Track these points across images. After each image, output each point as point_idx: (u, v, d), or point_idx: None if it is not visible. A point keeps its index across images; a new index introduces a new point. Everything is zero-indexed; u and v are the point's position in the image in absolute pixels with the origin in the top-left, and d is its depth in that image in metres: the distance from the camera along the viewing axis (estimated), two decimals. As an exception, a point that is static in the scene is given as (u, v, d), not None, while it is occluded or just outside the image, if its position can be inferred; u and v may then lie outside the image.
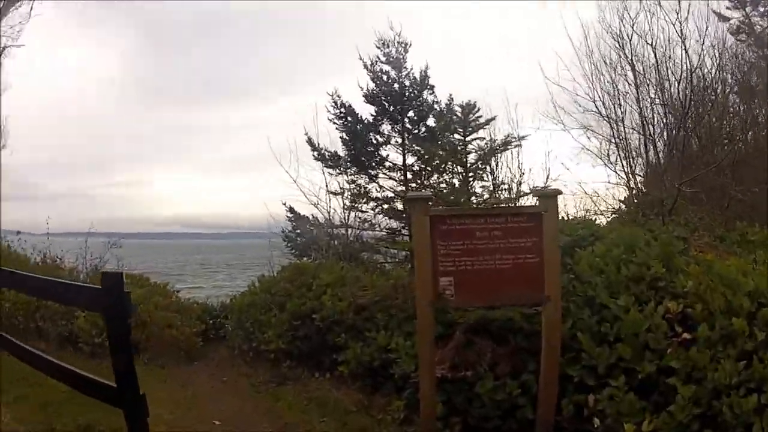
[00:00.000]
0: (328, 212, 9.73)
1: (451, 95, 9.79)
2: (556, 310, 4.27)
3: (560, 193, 4.89)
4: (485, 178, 8.66)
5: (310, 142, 9.95)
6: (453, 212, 4.96)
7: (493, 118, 8.85)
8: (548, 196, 4.53)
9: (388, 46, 9.85)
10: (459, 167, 8.56)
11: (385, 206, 9.53)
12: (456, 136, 8.47)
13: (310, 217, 10.04)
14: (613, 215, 9.92)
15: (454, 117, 8.44)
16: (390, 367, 5.32)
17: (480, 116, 8.48)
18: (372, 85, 9.91)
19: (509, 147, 8.64)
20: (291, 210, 10.23)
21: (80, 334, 7.18)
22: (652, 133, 11.25)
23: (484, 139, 8.63)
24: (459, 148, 8.38)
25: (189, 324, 7.97)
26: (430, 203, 4.74)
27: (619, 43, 11.51)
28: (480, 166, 8.50)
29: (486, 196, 8.41)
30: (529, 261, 4.31)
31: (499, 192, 8.53)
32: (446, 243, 4.27)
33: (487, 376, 4.54)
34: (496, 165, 8.74)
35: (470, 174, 8.37)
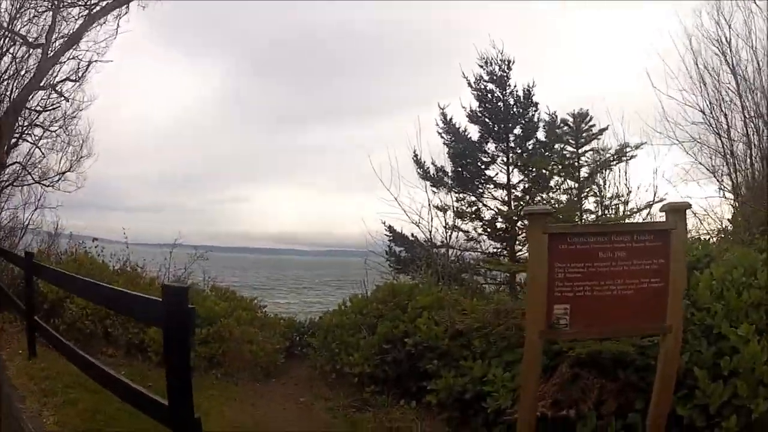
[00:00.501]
0: (430, 231, 9.42)
1: (553, 113, 9.58)
2: (677, 342, 3.79)
3: (689, 206, 4.23)
4: (596, 194, 7.90)
5: (416, 159, 10.01)
6: (574, 230, 4.36)
7: (605, 128, 8.28)
8: (677, 210, 3.95)
9: (491, 64, 9.88)
10: (570, 182, 7.86)
11: (488, 227, 9.47)
12: (568, 147, 7.79)
13: (410, 236, 9.96)
14: (719, 234, 8.78)
15: (566, 127, 7.77)
16: (483, 399, 4.89)
17: (593, 125, 7.81)
18: (475, 104, 9.98)
19: (624, 158, 7.92)
20: (390, 229, 10.28)
21: (151, 343, 7.15)
22: (758, 143, 10.16)
23: (597, 150, 7.88)
24: (571, 161, 7.69)
25: (272, 340, 7.86)
26: (549, 218, 4.12)
27: (719, 48, 10.66)
28: (592, 180, 7.77)
29: (600, 213, 7.65)
30: (652, 286, 3.79)
31: (612, 209, 7.76)
32: (565, 265, 3.78)
33: (590, 416, 4.14)
34: (604, 182, 7.99)
35: (583, 189, 7.65)
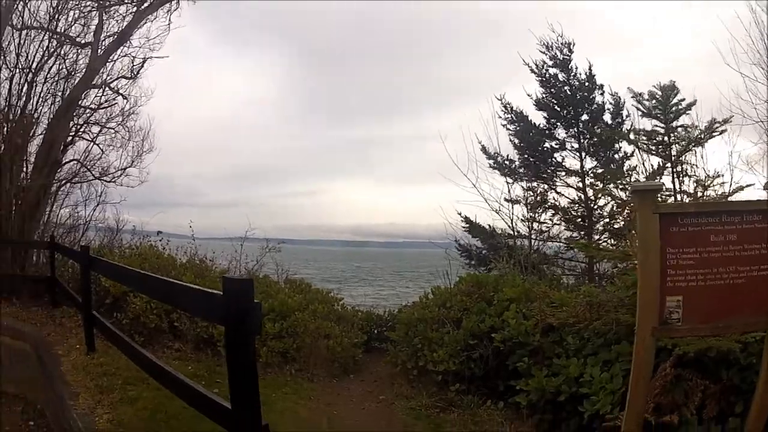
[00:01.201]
0: (511, 220, 9.39)
1: (616, 93, 9.42)
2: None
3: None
4: (688, 174, 7.49)
5: (484, 150, 9.97)
6: (686, 209, 4.03)
7: (693, 103, 7.85)
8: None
9: (552, 49, 9.78)
10: (661, 160, 7.46)
11: (564, 215, 9.31)
12: (655, 122, 7.41)
13: (487, 227, 9.88)
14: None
15: (654, 100, 7.38)
16: (579, 402, 4.62)
17: (683, 99, 7.38)
18: (540, 91, 9.95)
19: (714, 134, 7.48)
20: (466, 219, 10.19)
21: (220, 337, 7.00)
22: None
23: (687, 127, 7.48)
24: (660, 137, 7.30)
25: (349, 334, 7.75)
26: (660, 197, 3.77)
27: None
28: (683, 158, 7.37)
29: (697, 194, 7.27)
30: (762, 274, 3.43)
31: (708, 189, 7.35)
32: (677, 250, 3.43)
33: (692, 422, 3.87)
34: (696, 160, 7.56)
35: (676, 167, 7.26)
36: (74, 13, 11.59)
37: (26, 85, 11.32)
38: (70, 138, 11.79)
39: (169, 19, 12.29)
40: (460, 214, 10.13)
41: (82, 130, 12.02)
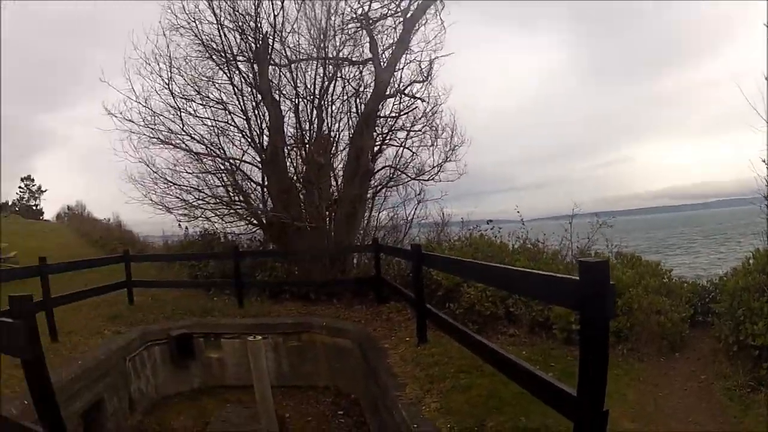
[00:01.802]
0: None
1: None
2: None
3: None
4: None
5: None
6: None
7: None
8: None
9: None
10: None
11: None
12: None
13: None
14: None
15: None
16: None
17: None
18: None
19: None
20: None
21: (556, 320, 7.20)
22: None
23: None
24: None
25: (678, 309, 7.45)
26: None
27: None
28: None
29: None
30: None
31: None
32: None
33: None
34: None
35: None
36: (340, 37, 12.93)
37: (314, 110, 12.98)
38: (377, 147, 13.07)
39: (440, 19, 12.85)
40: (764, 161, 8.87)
41: (388, 138, 13.21)
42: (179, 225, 14.26)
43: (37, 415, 3.28)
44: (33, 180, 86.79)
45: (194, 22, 12.76)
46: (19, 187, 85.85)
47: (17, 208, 78.50)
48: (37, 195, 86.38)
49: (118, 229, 24.17)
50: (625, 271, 7.88)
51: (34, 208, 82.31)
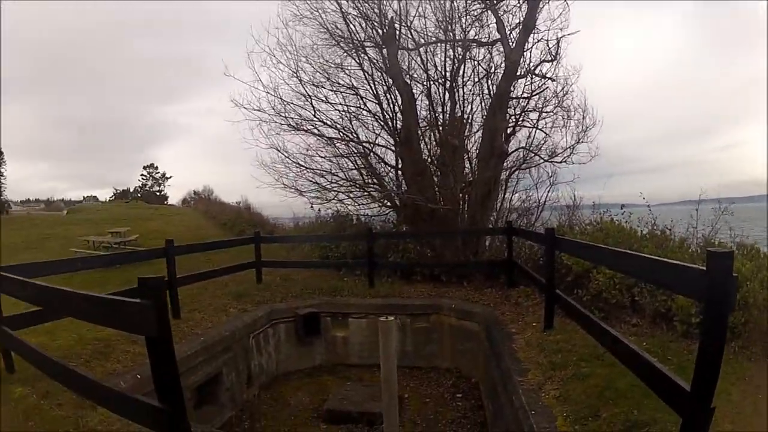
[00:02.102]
0: None
1: None
2: None
3: None
4: None
5: None
6: None
7: None
8: None
9: None
10: None
11: None
12: None
13: None
14: None
15: None
16: None
17: None
18: None
19: None
20: None
21: (678, 311, 6.86)
22: None
23: None
24: None
25: None
26: None
27: None
28: None
29: None
30: None
31: None
32: None
33: None
34: None
35: None
36: (466, 19, 13.10)
37: (446, 92, 13.27)
38: (510, 129, 13.11)
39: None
40: None
41: (521, 119, 13.22)
42: (311, 207, 14.95)
43: (157, 394, 3.38)
44: (157, 168, 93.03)
45: (317, 11, 13.46)
46: (141, 175, 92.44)
47: (140, 194, 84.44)
48: (161, 181, 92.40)
49: (246, 212, 25.59)
50: (744, 262, 7.33)
51: (158, 194, 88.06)
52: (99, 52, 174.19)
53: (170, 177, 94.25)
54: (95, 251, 17.16)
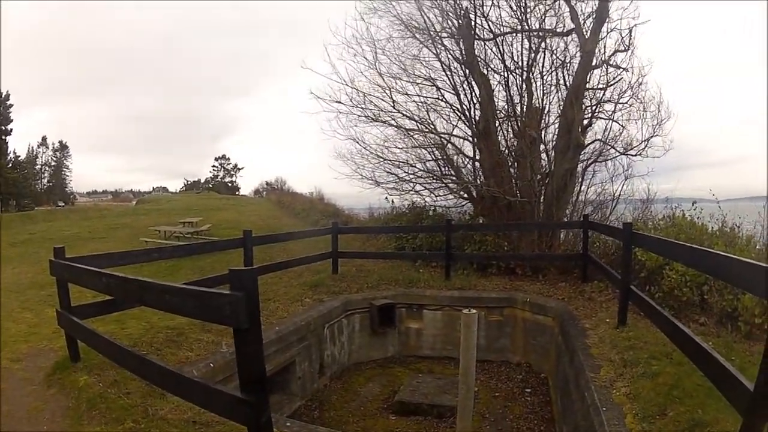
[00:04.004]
0: None
1: None
2: None
3: None
4: None
5: None
6: None
7: None
8: None
9: None
10: None
11: None
12: None
13: None
14: None
15: None
16: None
17: None
18: None
19: None
20: None
21: (742, 311, 7.09)
22: None
23: None
24: None
25: None
26: None
27: None
28: None
29: None
30: None
31: None
32: None
33: None
34: None
35: None
36: (539, 9, 13.35)
37: (523, 83, 13.63)
38: (587, 120, 13.30)
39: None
40: None
41: (597, 110, 13.40)
42: (386, 198, 15.71)
43: (241, 385, 3.52)
44: (228, 159, 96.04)
45: (391, 3, 14.03)
46: (213, 166, 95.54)
47: (211, 186, 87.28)
48: (233, 172, 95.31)
49: (320, 202, 26.53)
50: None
51: (229, 184, 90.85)
52: (175, 52, 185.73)
53: (242, 168, 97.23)
54: (165, 240, 18.12)
